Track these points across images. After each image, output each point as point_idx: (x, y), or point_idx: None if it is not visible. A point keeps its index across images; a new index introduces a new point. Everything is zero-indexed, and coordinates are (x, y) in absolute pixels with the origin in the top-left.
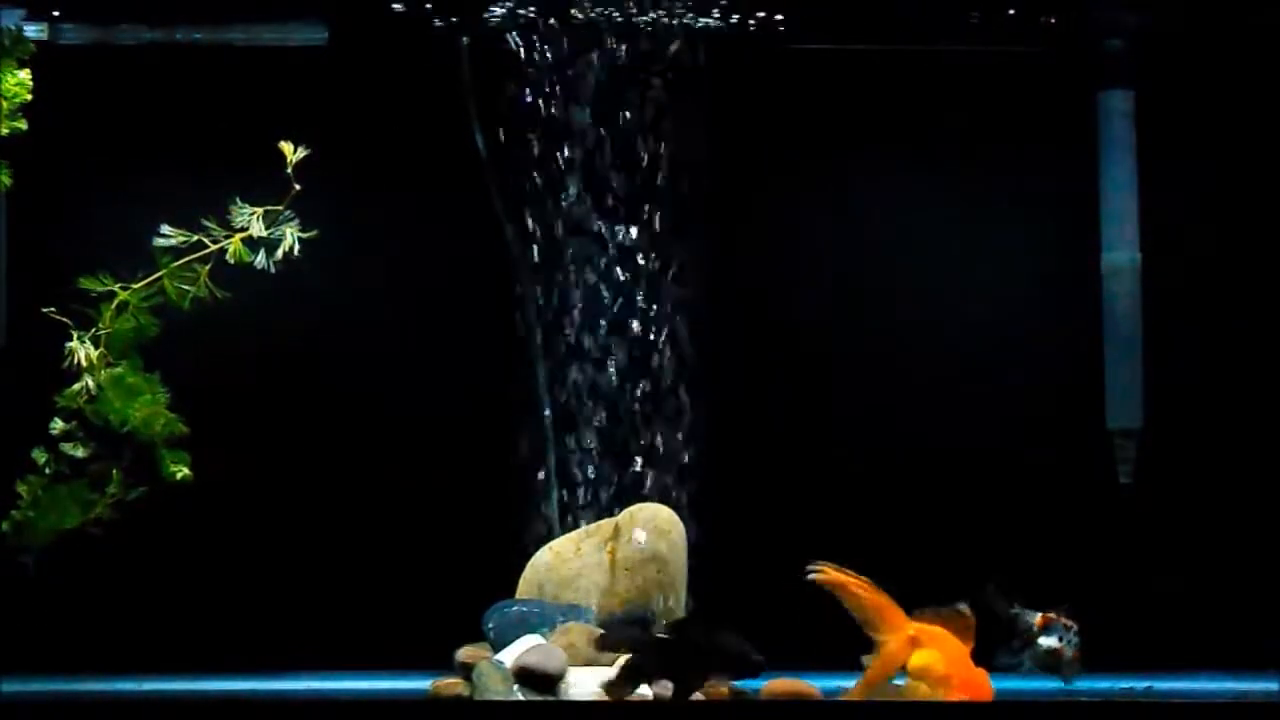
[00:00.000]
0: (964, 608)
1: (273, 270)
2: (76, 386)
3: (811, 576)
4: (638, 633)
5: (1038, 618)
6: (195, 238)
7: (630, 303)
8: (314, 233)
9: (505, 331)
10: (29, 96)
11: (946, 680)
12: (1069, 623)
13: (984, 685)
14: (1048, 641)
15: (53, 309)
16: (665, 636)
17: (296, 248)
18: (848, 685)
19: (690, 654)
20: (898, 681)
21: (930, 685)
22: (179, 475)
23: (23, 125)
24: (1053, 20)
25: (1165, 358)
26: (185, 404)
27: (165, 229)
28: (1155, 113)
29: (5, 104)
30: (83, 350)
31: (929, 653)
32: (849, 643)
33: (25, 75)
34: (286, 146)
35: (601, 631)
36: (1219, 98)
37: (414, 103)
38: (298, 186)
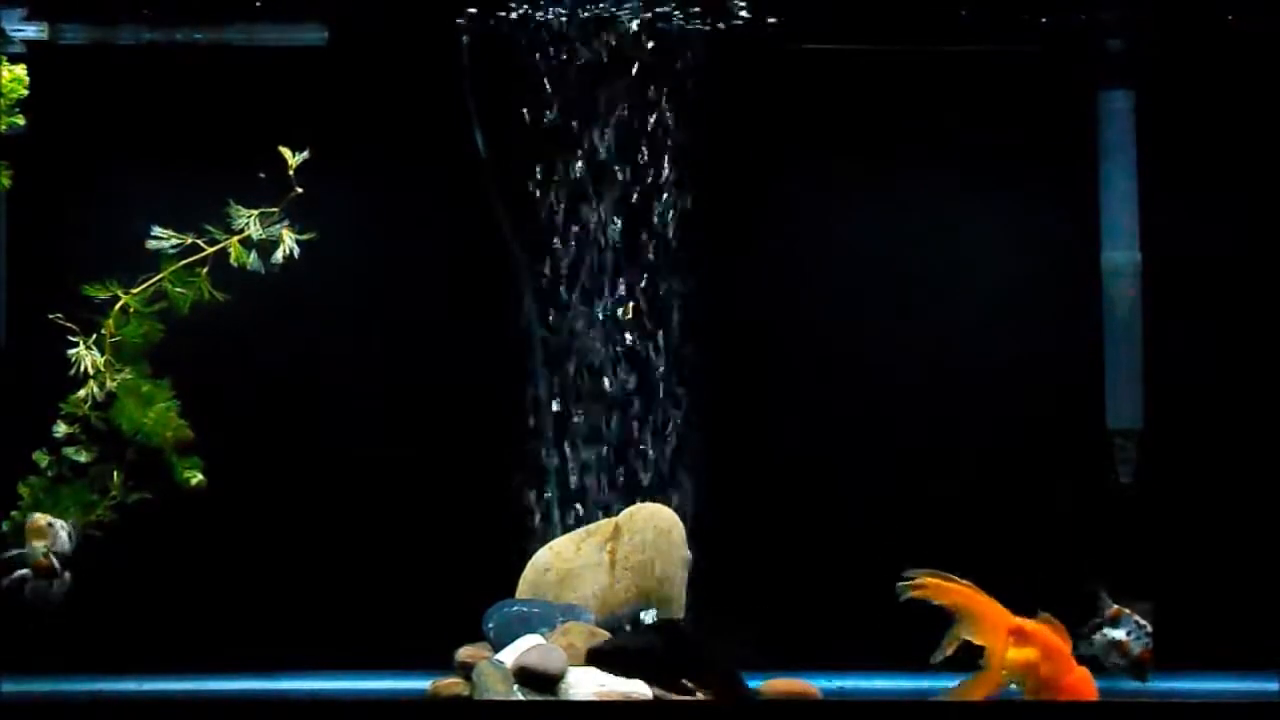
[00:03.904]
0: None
1: (263, 272)
2: (82, 392)
3: (906, 596)
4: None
5: (1112, 609)
6: (189, 240)
7: (632, 301)
8: (312, 235)
9: (506, 331)
10: (25, 91)
11: (1049, 683)
12: (1141, 621)
13: (1089, 686)
14: (1114, 633)
15: (59, 315)
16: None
17: (295, 251)
18: (846, 685)
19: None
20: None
21: (1031, 686)
22: (193, 481)
23: (20, 120)
24: (1054, 20)
25: (1165, 358)
26: (185, 404)
27: (157, 230)
28: (1155, 113)
29: (1, 100)
30: (89, 357)
31: (1029, 651)
32: (850, 643)
33: (21, 71)
34: (286, 151)
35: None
36: (1219, 97)
37: (414, 101)
38: (299, 189)
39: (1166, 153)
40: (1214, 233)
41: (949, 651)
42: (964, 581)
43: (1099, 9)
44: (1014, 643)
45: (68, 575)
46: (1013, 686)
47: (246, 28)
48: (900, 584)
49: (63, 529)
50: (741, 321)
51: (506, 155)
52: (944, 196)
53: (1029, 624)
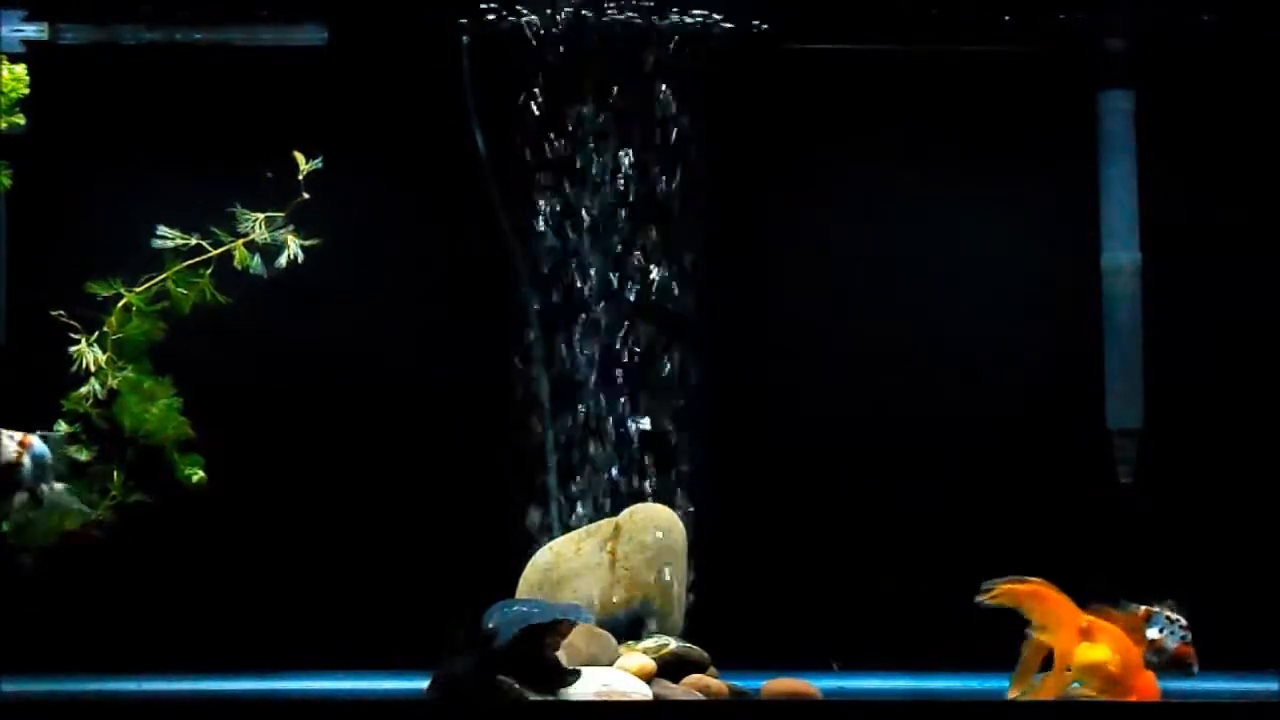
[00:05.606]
0: (1135, 607)
1: (265, 276)
2: (84, 390)
3: (983, 601)
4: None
5: (1141, 610)
6: (194, 241)
7: (632, 301)
8: (316, 241)
9: (506, 331)
10: (26, 90)
11: (1118, 682)
12: (1174, 616)
13: (1154, 689)
14: (1149, 633)
15: (61, 312)
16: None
17: (300, 256)
18: (846, 685)
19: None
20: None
21: (1099, 685)
22: (195, 478)
23: (20, 120)
24: (1054, 20)
25: (1165, 358)
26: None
27: (162, 230)
28: (1155, 113)
29: (1, 99)
30: (91, 354)
31: (1100, 649)
32: (851, 643)
33: (21, 70)
34: (300, 157)
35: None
36: (1219, 97)
37: (415, 102)
38: (306, 195)
39: (1166, 153)
40: (1214, 233)
41: (1033, 669)
42: (1035, 580)
43: (1099, 9)
44: (1080, 640)
45: (44, 488)
46: (1075, 685)
47: (246, 28)
48: (978, 597)
49: (10, 439)
50: (741, 319)
51: (505, 156)
52: (945, 197)
53: (1097, 621)
